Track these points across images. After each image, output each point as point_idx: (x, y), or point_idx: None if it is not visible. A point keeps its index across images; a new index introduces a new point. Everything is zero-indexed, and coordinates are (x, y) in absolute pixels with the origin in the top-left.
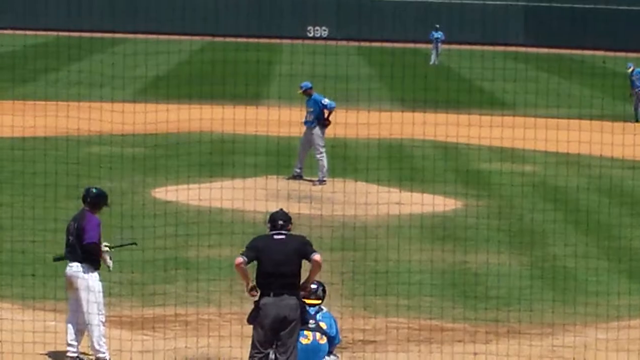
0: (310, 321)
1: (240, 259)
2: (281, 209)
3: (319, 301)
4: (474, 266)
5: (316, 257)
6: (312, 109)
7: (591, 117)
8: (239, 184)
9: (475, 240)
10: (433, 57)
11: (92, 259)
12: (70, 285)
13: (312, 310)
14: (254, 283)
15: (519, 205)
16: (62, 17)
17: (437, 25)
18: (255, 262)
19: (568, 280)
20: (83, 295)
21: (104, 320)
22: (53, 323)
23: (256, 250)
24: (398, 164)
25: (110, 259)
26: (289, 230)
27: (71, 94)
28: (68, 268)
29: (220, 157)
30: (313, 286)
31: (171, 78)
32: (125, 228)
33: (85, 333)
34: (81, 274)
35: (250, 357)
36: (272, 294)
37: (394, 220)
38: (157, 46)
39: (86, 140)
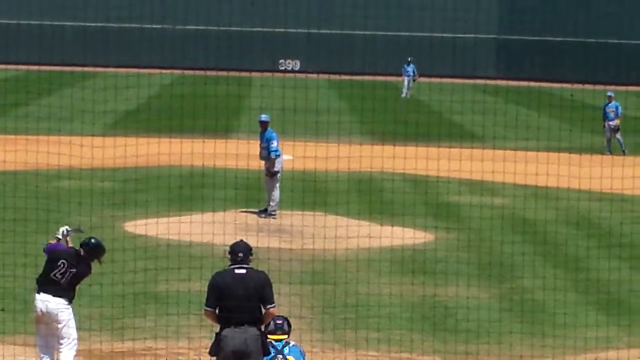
0: (278, 356)
1: (207, 312)
2: (241, 240)
3: (285, 336)
4: (444, 299)
5: (272, 310)
6: (264, 145)
7: (559, 150)
8: (208, 217)
9: (445, 273)
10: (405, 90)
11: (71, 294)
12: (44, 319)
13: (279, 345)
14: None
15: (489, 237)
16: (32, 50)
17: (409, 59)
18: None
19: (537, 313)
20: (59, 329)
21: (75, 353)
22: (22, 358)
23: (217, 289)
24: (368, 197)
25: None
26: (249, 262)
27: (41, 128)
28: (44, 303)
29: (189, 191)
30: (278, 321)
31: (141, 112)
32: (94, 262)
33: None
34: (62, 308)
35: None
36: (232, 326)
37: (364, 253)
38: (127, 80)
39: (56, 175)
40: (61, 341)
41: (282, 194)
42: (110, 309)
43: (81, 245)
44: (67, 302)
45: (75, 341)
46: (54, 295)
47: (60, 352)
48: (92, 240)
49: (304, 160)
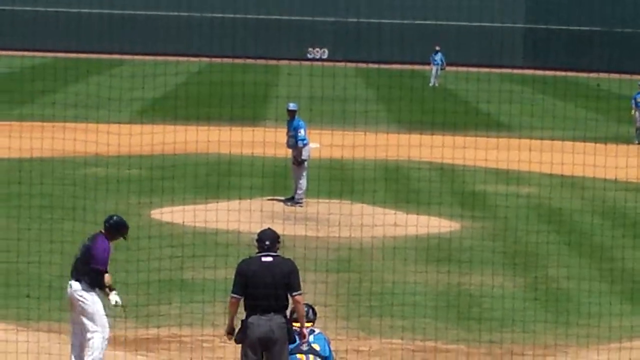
0: (303, 343)
1: (233, 299)
2: (269, 228)
3: (310, 323)
4: (469, 287)
5: (298, 297)
6: (292, 133)
7: (585, 139)
8: (235, 205)
9: (470, 261)
10: (432, 78)
11: (93, 278)
12: (71, 305)
13: None
14: (230, 334)
15: (515, 227)
16: (60, 38)
17: (437, 48)
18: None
19: (563, 302)
20: (82, 315)
21: (106, 336)
22: (47, 344)
23: (244, 276)
24: (394, 185)
25: (115, 298)
26: (276, 250)
27: (68, 115)
28: (68, 288)
29: (216, 178)
30: (304, 309)
31: (169, 100)
32: (121, 249)
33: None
34: (80, 293)
35: None
36: (258, 313)
37: (390, 241)
38: (155, 68)
39: (82, 162)
40: (86, 328)
41: (309, 182)
42: (136, 296)
43: (104, 223)
44: (85, 287)
45: (100, 329)
46: (74, 279)
47: (87, 340)
48: (114, 217)
49: (331, 149)
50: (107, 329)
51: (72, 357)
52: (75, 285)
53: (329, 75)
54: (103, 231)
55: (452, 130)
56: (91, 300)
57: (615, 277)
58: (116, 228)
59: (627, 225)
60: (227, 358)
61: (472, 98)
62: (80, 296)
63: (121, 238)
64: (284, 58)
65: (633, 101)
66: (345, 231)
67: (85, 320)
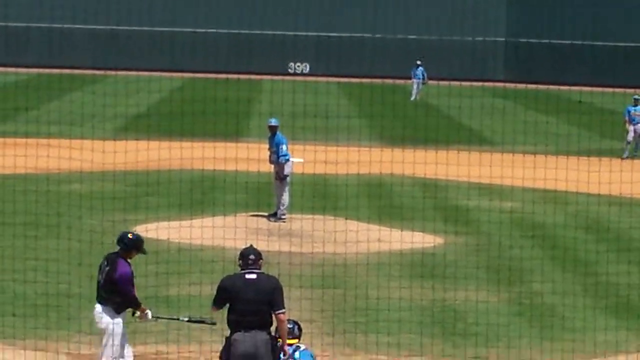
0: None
1: (213, 309)
2: (251, 245)
3: (296, 340)
4: (454, 303)
5: (281, 315)
6: (274, 149)
7: (569, 153)
8: (219, 221)
9: (454, 277)
10: (414, 92)
11: (119, 303)
12: (96, 325)
13: (290, 349)
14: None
15: (498, 241)
16: (43, 54)
17: (419, 62)
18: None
19: (546, 317)
20: (103, 337)
21: None
22: None
23: (225, 292)
24: (378, 201)
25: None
26: (259, 266)
27: (52, 132)
28: (94, 309)
29: (200, 194)
30: (289, 325)
31: (152, 116)
32: None
33: None
34: (102, 316)
35: None
36: (242, 330)
37: (374, 257)
38: (138, 84)
39: (67, 179)
40: (104, 351)
41: (293, 198)
42: None
43: (118, 243)
44: (107, 311)
45: (122, 353)
46: (98, 302)
47: None
48: (128, 235)
49: (314, 165)
50: (126, 356)
51: None
52: (99, 307)
53: (311, 91)
54: (120, 252)
55: (434, 145)
56: (112, 327)
57: (600, 291)
58: (133, 245)
59: (610, 240)
60: None
61: (454, 112)
62: (102, 319)
63: (140, 254)
64: (265, 73)
65: (627, 115)
66: (329, 247)
67: (103, 343)
